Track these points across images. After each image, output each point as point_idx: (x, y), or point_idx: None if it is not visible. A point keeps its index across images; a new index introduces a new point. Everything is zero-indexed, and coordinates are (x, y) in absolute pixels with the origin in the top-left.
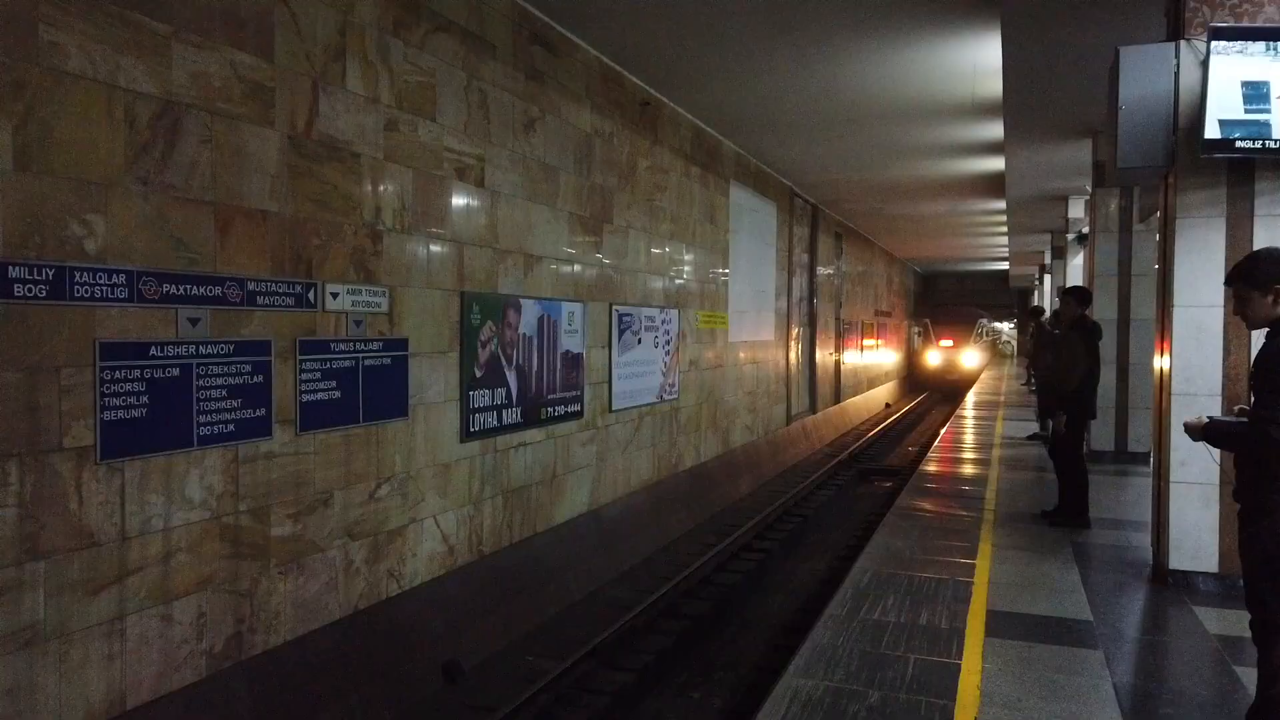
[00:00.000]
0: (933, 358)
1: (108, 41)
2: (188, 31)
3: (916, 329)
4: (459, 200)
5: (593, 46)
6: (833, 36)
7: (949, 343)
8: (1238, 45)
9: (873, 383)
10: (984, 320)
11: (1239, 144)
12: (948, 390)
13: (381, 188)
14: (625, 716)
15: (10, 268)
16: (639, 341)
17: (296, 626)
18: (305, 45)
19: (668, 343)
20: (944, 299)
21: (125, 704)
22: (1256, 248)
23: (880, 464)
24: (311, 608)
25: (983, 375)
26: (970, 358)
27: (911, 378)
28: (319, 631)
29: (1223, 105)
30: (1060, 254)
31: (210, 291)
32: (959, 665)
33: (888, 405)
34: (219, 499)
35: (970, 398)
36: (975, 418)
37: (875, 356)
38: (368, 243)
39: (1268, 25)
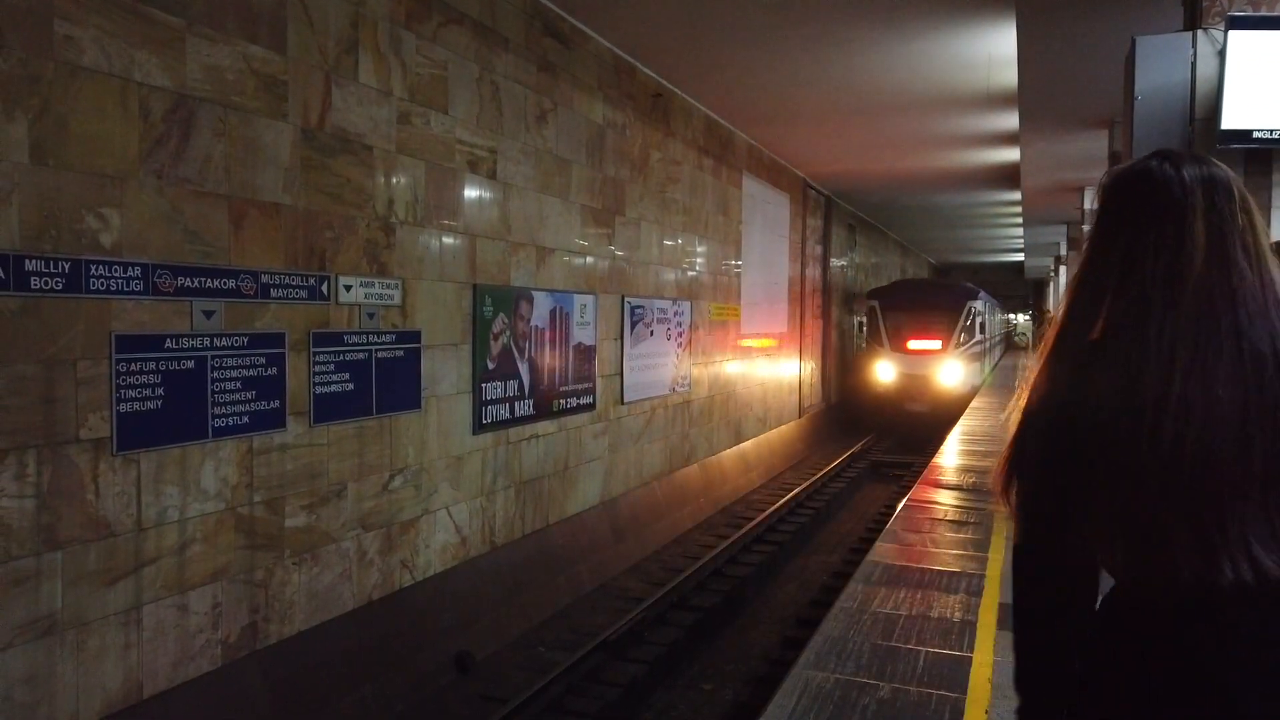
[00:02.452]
0: (884, 372)
1: (122, 36)
2: (201, 25)
3: (859, 319)
4: (471, 192)
5: (605, 38)
6: (846, 27)
7: (917, 344)
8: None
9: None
10: (977, 304)
11: (1255, 134)
12: (913, 432)
13: (394, 180)
14: (636, 708)
15: (27, 261)
16: (651, 333)
17: (310, 617)
18: (318, 38)
19: (680, 335)
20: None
21: (142, 693)
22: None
23: (893, 456)
24: (325, 598)
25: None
26: (952, 372)
27: (848, 408)
28: (333, 622)
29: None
30: (1076, 245)
31: (224, 284)
32: (971, 658)
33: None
34: (233, 490)
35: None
36: (990, 408)
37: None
38: (380, 235)
39: None
